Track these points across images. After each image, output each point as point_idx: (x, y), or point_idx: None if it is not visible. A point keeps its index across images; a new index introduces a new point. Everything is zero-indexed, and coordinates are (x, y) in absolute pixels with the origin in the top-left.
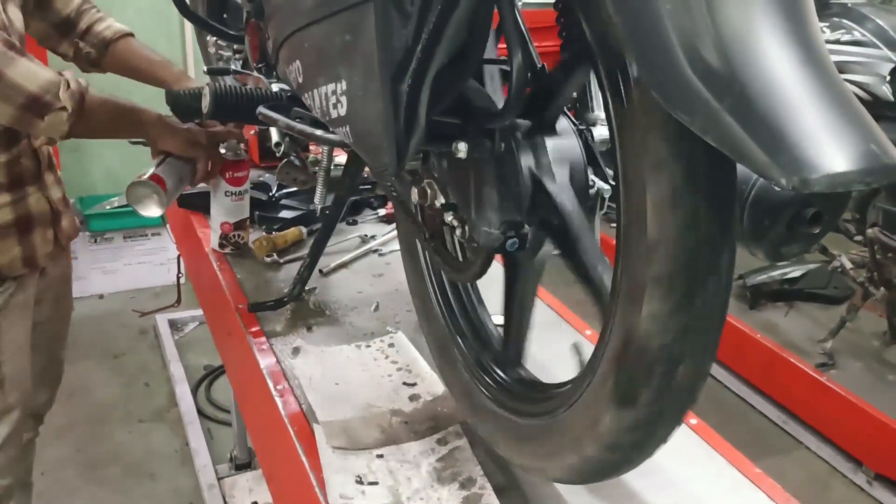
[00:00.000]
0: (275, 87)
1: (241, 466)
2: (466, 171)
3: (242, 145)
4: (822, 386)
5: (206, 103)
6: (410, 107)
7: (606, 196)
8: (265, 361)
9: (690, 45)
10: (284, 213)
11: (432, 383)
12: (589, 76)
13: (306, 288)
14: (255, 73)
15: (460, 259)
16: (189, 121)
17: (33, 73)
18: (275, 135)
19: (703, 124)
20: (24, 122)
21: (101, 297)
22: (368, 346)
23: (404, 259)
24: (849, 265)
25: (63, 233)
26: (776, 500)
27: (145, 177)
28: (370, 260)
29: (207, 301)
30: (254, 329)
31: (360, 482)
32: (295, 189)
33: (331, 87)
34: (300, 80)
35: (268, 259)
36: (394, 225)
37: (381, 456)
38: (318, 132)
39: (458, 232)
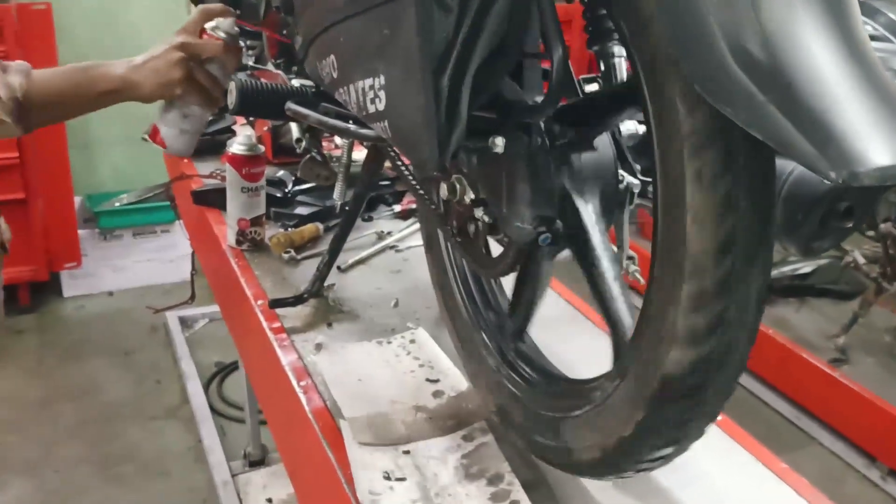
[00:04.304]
0: (295, 83)
1: (255, 463)
2: (498, 165)
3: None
4: (834, 381)
5: (231, 99)
6: (452, 101)
7: (636, 191)
8: (287, 358)
9: (734, 38)
10: (300, 210)
11: (455, 380)
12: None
13: (325, 284)
14: (272, 69)
15: (487, 255)
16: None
17: None
18: (295, 131)
19: (748, 117)
20: None
21: (110, 294)
22: (390, 343)
23: (427, 254)
24: (861, 260)
25: (3, 234)
26: (802, 495)
27: (146, 134)
28: (387, 256)
29: (225, 298)
30: (274, 326)
31: (387, 478)
32: (310, 185)
33: (368, 81)
34: (334, 75)
35: (285, 255)
36: (410, 221)
37: (407, 452)
38: (352, 127)
39: (487, 227)
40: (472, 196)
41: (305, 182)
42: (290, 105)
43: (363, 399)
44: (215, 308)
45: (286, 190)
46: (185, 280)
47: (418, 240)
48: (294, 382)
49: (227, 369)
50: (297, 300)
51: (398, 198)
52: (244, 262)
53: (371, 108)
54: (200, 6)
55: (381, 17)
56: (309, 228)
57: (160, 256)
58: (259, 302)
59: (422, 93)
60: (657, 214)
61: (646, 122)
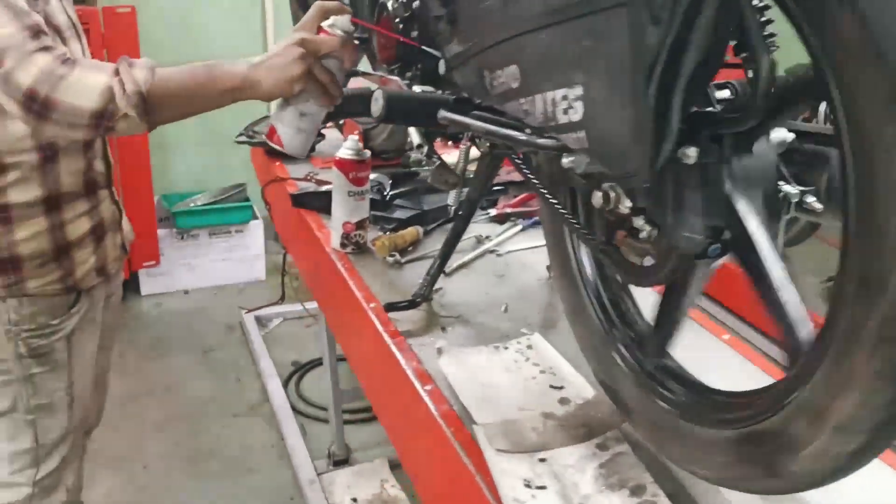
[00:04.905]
0: (416, 90)
1: (339, 462)
2: (663, 174)
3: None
4: None
5: (377, 107)
6: (662, 112)
7: (794, 201)
8: (409, 362)
9: None
10: (398, 214)
11: (580, 387)
12: None
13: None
14: (385, 74)
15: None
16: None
17: (86, 85)
18: (416, 137)
19: None
20: (100, 134)
21: (186, 292)
22: (507, 348)
23: (553, 264)
24: None
25: (125, 236)
26: None
27: (265, 132)
28: (489, 260)
29: (328, 299)
30: (390, 329)
31: (528, 486)
32: (407, 189)
33: (561, 92)
34: (514, 85)
35: (390, 259)
36: (507, 225)
37: (543, 460)
38: (525, 136)
39: (645, 236)
40: (629, 204)
41: (402, 186)
42: (446, 114)
43: (490, 405)
44: (290, 307)
45: (384, 193)
46: (257, 279)
47: (518, 244)
48: (418, 387)
49: (304, 368)
50: (410, 304)
51: (493, 202)
52: (349, 265)
53: (563, 119)
54: (317, 3)
55: (582, 29)
56: (410, 232)
57: (234, 256)
58: (371, 305)
59: (630, 105)
60: (849, 211)
61: (835, 123)
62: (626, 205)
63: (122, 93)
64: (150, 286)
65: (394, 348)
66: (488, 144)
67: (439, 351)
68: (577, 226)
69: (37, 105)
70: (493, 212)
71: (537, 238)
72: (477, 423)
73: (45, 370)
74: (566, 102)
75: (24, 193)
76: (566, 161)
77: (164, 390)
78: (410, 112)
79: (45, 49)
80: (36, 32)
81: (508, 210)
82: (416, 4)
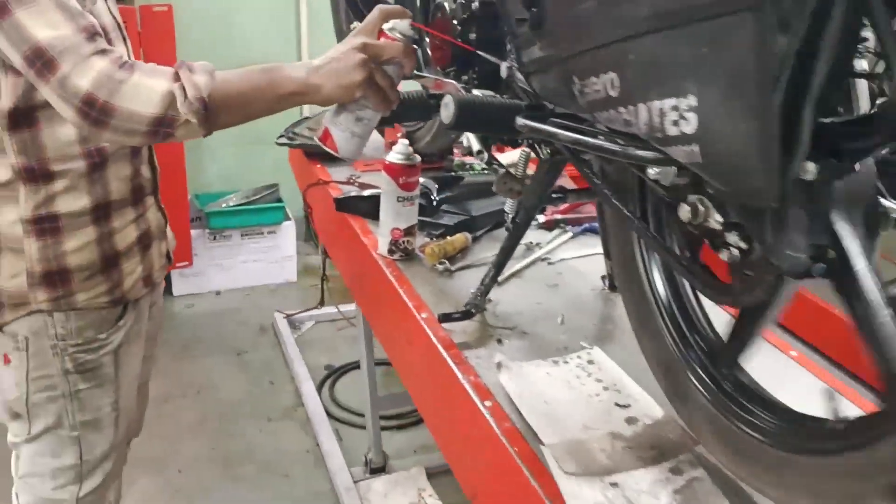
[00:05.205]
0: (476, 93)
1: (376, 470)
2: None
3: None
4: None
5: (448, 114)
6: (792, 125)
7: (894, 216)
8: (466, 376)
9: None
10: (446, 219)
11: (648, 406)
12: None
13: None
14: (440, 77)
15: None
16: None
17: (146, 91)
18: (475, 143)
19: None
20: (159, 140)
21: (217, 293)
22: (566, 363)
23: (619, 275)
24: None
25: (169, 243)
26: None
27: (318, 135)
28: (540, 269)
29: (375, 307)
30: (445, 341)
31: None
32: (453, 194)
33: (670, 102)
34: (611, 93)
35: (440, 266)
36: (556, 232)
37: (615, 484)
38: (622, 148)
39: (738, 253)
40: (720, 219)
41: (448, 190)
42: (526, 122)
43: (555, 423)
44: (322, 310)
45: (432, 198)
46: (288, 281)
47: (569, 252)
48: (478, 402)
49: (337, 372)
50: (465, 315)
51: (542, 208)
52: (398, 273)
53: (673, 131)
54: (379, 6)
55: (699, 35)
56: (459, 238)
57: (266, 257)
58: (423, 315)
59: (756, 117)
60: None
61: None
62: (716, 219)
63: (184, 98)
64: (181, 287)
65: (450, 361)
66: (549, 150)
67: (499, 366)
68: (658, 240)
69: (94, 111)
70: (541, 218)
71: (588, 246)
72: (544, 443)
73: (91, 386)
74: (676, 113)
75: (73, 202)
76: (652, 172)
77: (197, 392)
78: (483, 119)
79: (103, 52)
80: (92, 34)
81: (558, 216)
82: (475, 6)
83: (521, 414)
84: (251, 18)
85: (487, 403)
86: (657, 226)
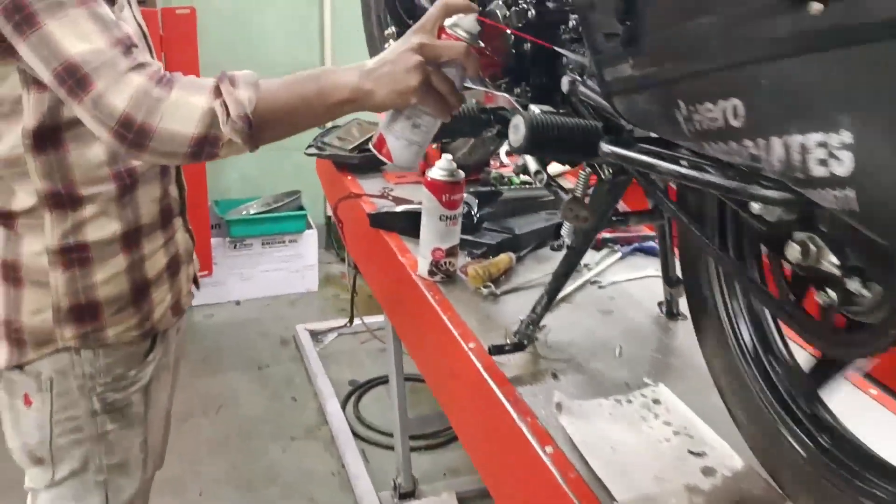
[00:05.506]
0: (534, 109)
1: (405, 495)
2: None
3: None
4: None
5: (518, 136)
6: None
7: None
8: (523, 417)
9: None
10: (488, 238)
11: (725, 455)
12: None
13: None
14: (492, 90)
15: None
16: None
17: (186, 108)
18: (533, 164)
19: None
20: (203, 160)
21: (237, 303)
22: (630, 402)
23: (693, 310)
24: None
25: (195, 267)
26: None
27: (373, 142)
28: (590, 293)
29: (412, 330)
30: (498, 377)
31: None
32: (494, 211)
33: (816, 137)
34: (734, 123)
35: (484, 290)
36: (605, 252)
37: None
38: (735, 185)
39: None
40: (836, 261)
41: (488, 206)
42: (614, 149)
43: (624, 474)
44: (344, 321)
45: (473, 214)
46: (309, 290)
47: (620, 274)
48: (538, 449)
49: (362, 388)
50: (516, 347)
51: None
52: (441, 297)
53: (819, 172)
54: (440, 0)
55: (857, 59)
56: (503, 259)
57: (287, 266)
58: (471, 345)
59: None
60: None
61: None
62: (830, 260)
63: (227, 117)
64: (201, 297)
65: (504, 400)
66: (610, 171)
67: (558, 406)
68: (761, 288)
69: (132, 133)
70: None
71: (639, 268)
72: (616, 499)
73: (120, 426)
74: (824, 151)
75: (103, 229)
76: (757, 208)
77: (217, 409)
78: (558, 143)
79: (139, 67)
80: (128, 47)
81: (606, 235)
82: (531, 14)
83: (585, 461)
84: (273, 18)
85: (549, 450)
86: (737, 256)
